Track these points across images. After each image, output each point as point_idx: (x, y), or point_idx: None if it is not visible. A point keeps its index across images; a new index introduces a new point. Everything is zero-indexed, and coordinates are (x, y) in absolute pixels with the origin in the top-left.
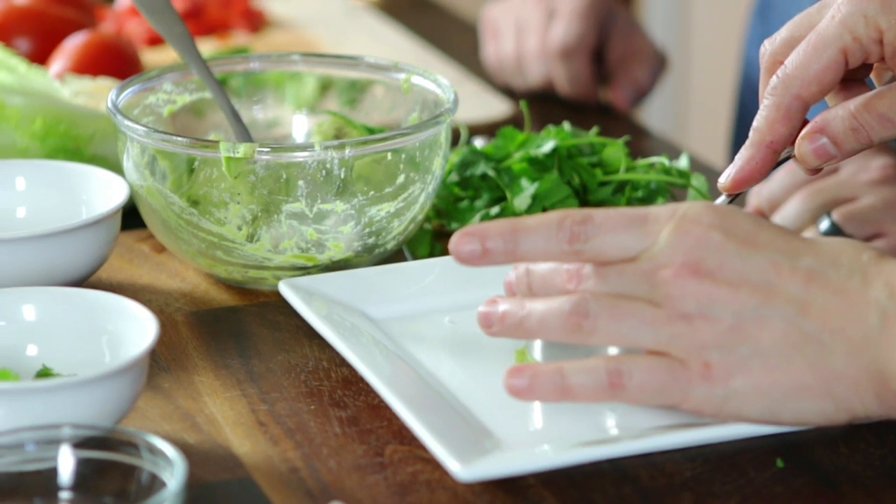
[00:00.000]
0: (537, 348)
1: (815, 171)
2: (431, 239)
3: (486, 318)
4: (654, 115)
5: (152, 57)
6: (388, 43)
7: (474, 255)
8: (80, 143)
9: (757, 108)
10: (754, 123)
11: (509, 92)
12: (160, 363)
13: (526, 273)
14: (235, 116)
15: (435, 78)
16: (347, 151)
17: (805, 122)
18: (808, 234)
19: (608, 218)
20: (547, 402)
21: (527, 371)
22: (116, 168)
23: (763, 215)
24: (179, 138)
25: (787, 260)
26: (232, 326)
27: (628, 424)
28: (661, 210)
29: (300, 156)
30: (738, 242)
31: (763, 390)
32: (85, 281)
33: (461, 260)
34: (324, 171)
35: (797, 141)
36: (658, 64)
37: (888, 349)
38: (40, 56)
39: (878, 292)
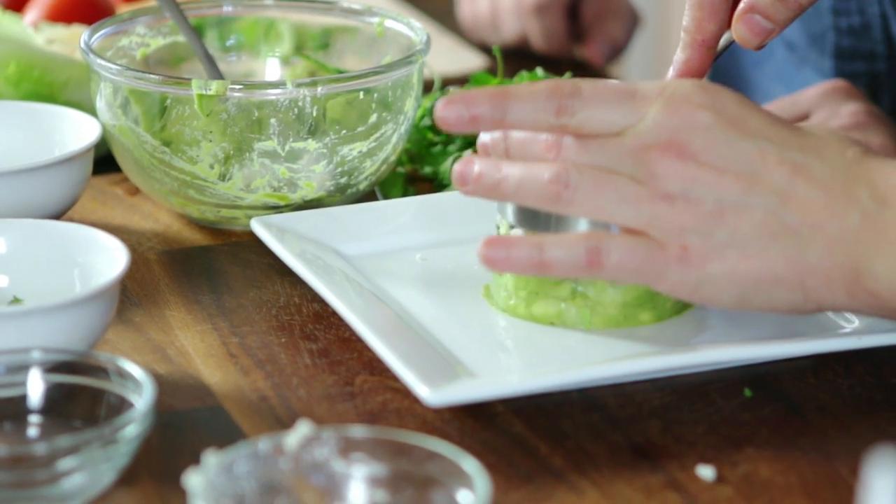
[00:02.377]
0: (510, 213)
1: (760, 48)
2: (404, 183)
3: (462, 177)
4: (631, 72)
5: None
6: (364, 2)
7: (461, 121)
8: (53, 90)
9: (731, 62)
10: (683, 24)
11: (485, 49)
12: (132, 299)
13: (504, 137)
14: (208, 58)
15: (408, 21)
16: (319, 89)
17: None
18: None
19: (597, 92)
20: (522, 274)
21: (504, 242)
22: (90, 115)
23: None
24: (152, 76)
25: (774, 149)
26: (204, 264)
27: (598, 356)
28: (650, 86)
29: (272, 93)
30: (726, 126)
31: (737, 278)
32: (57, 220)
33: (447, 125)
34: (296, 110)
35: (733, 25)
36: (632, 21)
37: (865, 247)
38: (16, 5)
39: (861, 191)
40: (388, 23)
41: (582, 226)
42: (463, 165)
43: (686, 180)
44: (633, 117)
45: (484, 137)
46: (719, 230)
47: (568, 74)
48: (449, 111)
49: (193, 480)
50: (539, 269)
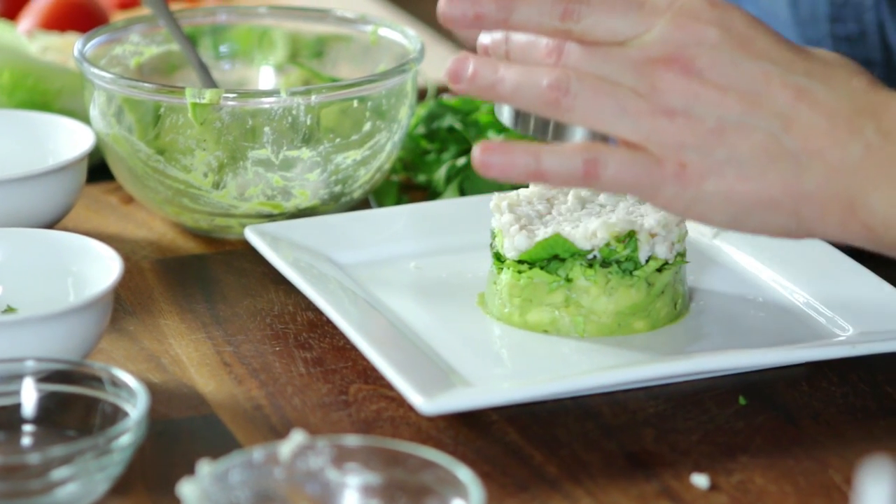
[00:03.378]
0: (506, 115)
1: None
2: (398, 191)
3: (455, 74)
4: None
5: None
6: (358, 9)
7: (464, 19)
8: (48, 98)
9: None
10: None
11: None
12: (125, 307)
13: (505, 39)
14: (202, 67)
15: (402, 29)
16: (313, 98)
17: None
18: None
19: None
20: (517, 182)
21: (501, 148)
22: (84, 123)
23: None
24: (146, 84)
25: (779, 72)
26: (198, 273)
27: (592, 364)
28: None
29: (266, 102)
30: (733, 45)
31: (732, 198)
32: (50, 228)
33: (451, 23)
34: (290, 118)
35: None
36: None
37: (864, 180)
38: (9, 13)
39: (866, 122)
40: (382, 31)
41: (579, 134)
42: (457, 63)
43: (688, 96)
44: (640, 28)
45: (484, 38)
46: (718, 149)
47: None
48: (453, 8)
49: (187, 490)
50: (535, 178)
